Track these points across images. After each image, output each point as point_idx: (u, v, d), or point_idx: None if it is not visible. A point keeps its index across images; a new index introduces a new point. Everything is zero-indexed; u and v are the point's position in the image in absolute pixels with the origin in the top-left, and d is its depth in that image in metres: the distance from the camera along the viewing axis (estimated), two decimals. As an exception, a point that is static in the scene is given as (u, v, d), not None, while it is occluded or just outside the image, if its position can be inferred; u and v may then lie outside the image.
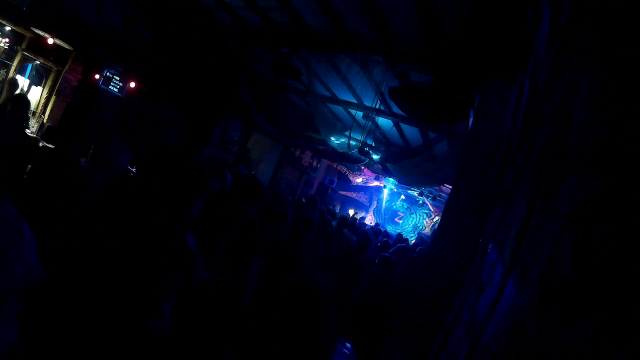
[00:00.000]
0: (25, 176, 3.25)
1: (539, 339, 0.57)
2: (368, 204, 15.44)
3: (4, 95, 5.11)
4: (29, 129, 5.44)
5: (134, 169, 4.54)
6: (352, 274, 4.08)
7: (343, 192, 15.09)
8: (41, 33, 5.44)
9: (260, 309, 2.54)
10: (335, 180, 14.35)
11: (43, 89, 6.10)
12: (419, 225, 14.21)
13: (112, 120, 6.50)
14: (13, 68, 5.65)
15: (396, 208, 14.84)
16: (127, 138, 6.36)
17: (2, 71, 5.61)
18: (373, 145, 8.36)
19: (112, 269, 1.57)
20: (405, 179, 9.32)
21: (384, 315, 3.30)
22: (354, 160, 8.93)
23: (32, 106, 5.99)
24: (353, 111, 7.12)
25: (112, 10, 6.13)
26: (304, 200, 6.17)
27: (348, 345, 3.13)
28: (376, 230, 7.99)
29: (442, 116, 4.48)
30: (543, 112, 1.22)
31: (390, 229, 13.36)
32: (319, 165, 13.99)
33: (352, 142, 8.00)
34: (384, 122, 7.28)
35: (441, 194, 12.64)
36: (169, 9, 6.68)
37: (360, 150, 7.57)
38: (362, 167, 12.23)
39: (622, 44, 0.61)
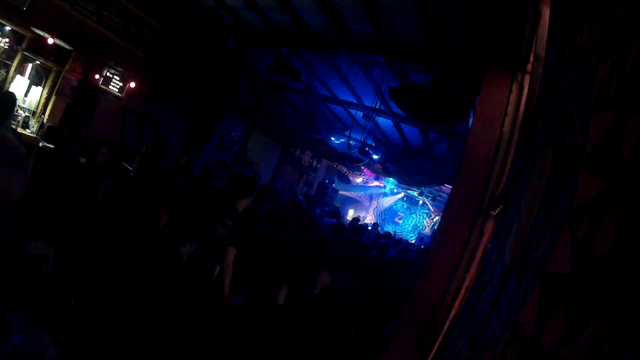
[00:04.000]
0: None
1: (539, 339, 0.57)
2: (368, 204, 15.43)
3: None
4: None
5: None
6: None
7: (343, 192, 15.08)
8: (41, 33, 5.44)
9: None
10: (335, 180, 14.34)
11: (43, 89, 6.09)
12: (419, 225, 14.20)
13: (112, 120, 6.49)
14: (13, 68, 5.65)
15: (396, 208, 14.83)
16: (127, 138, 6.37)
17: (2, 71, 5.60)
18: (373, 145, 8.35)
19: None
20: (405, 179, 9.32)
21: (385, 315, 3.30)
22: (354, 160, 8.92)
23: (33, 106, 5.99)
24: (353, 111, 7.12)
25: (112, 10, 6.13)
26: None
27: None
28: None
29: (442, 116, 4.48)
30: (542, 112, 1.22)
31: (390, 228, 13.35)
32: (319, 165, 13.98)
33: (352, 142, 8.01)
34: (384, 122, 7.28)
35: (441, 194, 12.64)
36: (169, 9, 6.69)
37: (360, 150, 7.57)
38: (362, 167, 12.23)
39: (622, 44, 0.61)
